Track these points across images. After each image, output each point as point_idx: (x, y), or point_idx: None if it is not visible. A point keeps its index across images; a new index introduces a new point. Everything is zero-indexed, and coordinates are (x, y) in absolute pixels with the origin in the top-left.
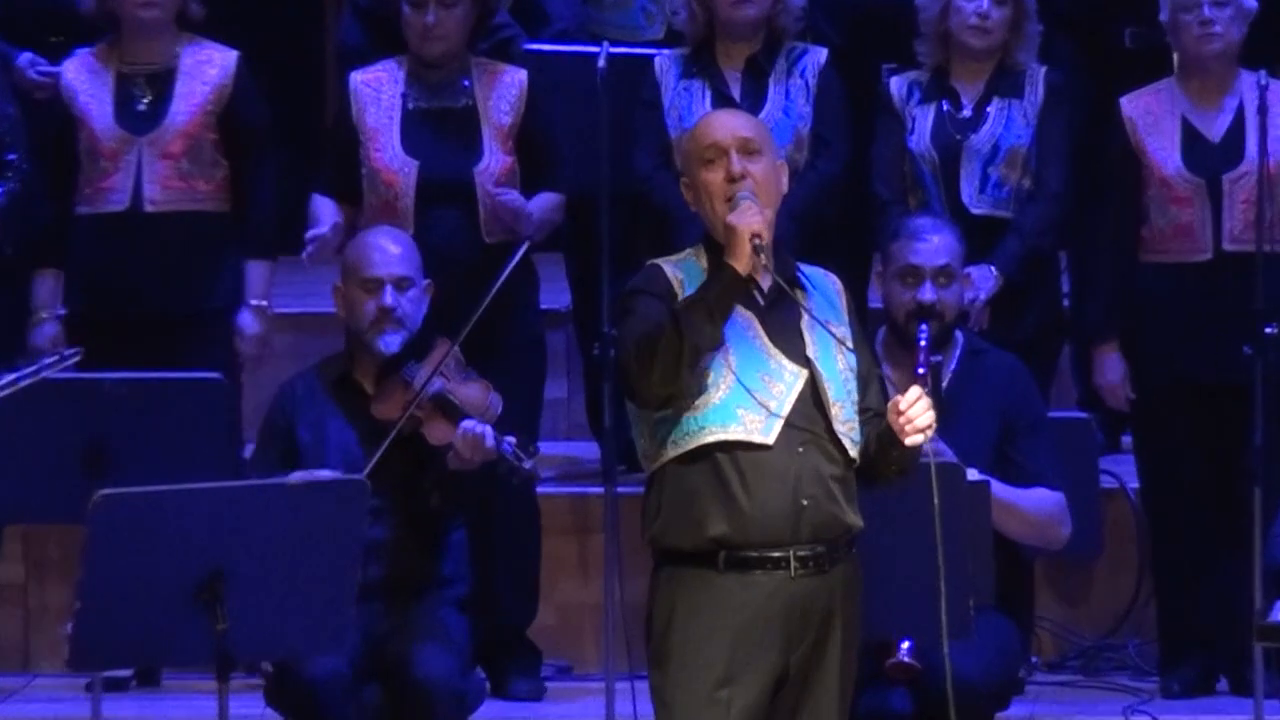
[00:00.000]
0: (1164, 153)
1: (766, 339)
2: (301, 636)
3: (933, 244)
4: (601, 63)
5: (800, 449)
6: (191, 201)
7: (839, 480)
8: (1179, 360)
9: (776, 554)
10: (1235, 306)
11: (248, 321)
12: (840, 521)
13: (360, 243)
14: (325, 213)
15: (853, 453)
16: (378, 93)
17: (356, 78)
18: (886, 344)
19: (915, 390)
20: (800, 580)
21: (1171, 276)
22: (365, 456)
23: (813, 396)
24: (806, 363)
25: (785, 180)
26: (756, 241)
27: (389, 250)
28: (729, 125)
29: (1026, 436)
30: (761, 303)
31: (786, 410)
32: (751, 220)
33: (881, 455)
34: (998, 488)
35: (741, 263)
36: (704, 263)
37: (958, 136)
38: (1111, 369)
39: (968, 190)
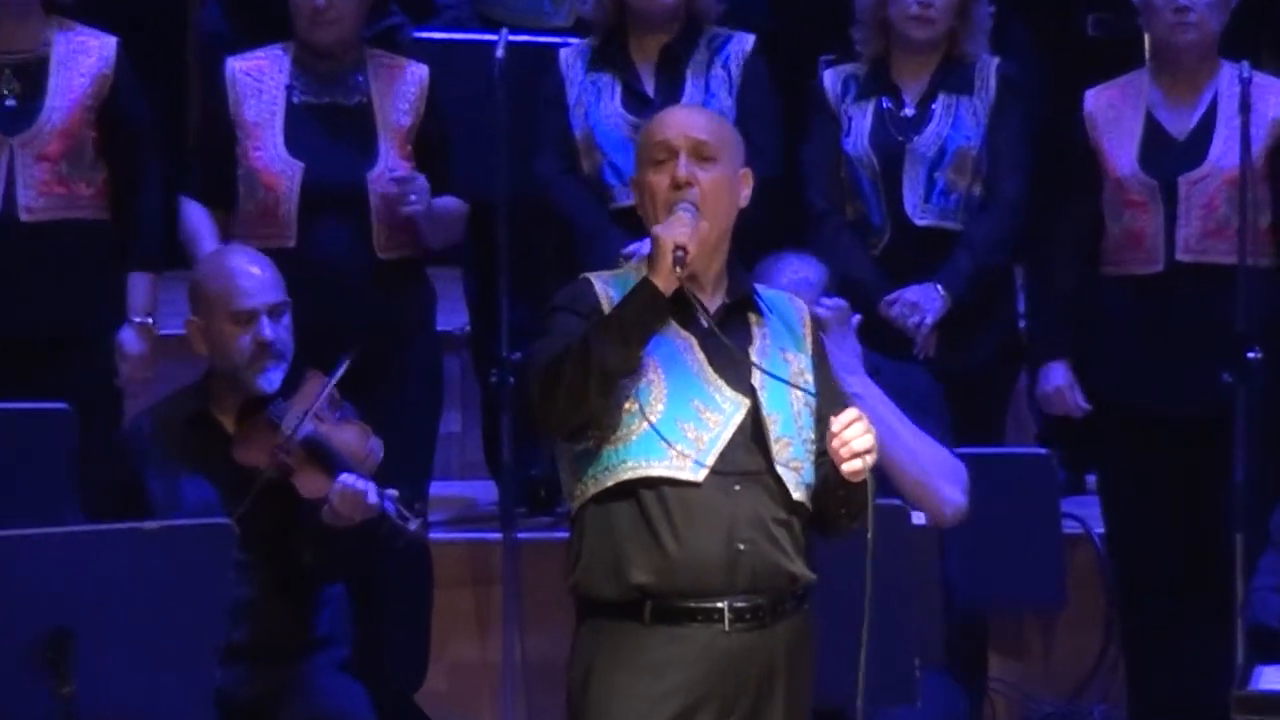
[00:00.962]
0: (1120, 151)
1: (706, 364)
2: (159, 702)
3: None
4: (499, 52)
5: (736, 487)
6: (71, 209)
7: (782, 524)
8: (1134, 387)
9: (709, 605)
10: (1189, 325)
11: (130, 340)
12: (783, 570)
13: (220, 270)
14: (197, 221)
15: (796, 495)
16: (259, 83)
17: (235, 65)
18: None
19: (852, 410)
20: (736, 635)
21: (1123, 290)
22: (226, 509)
23: (753, 430)
24: (750, 392)
25: (746, 192)
26: (679, 254)
27: (256, 275)
28: (683, 124)
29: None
30: (705, 324)
31: (721, 445)
32: (677, 231)
33: (827, 495)
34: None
35: (661, 277)
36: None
37: (899, 138)
38: (1056, 374)
39: (911, 199)
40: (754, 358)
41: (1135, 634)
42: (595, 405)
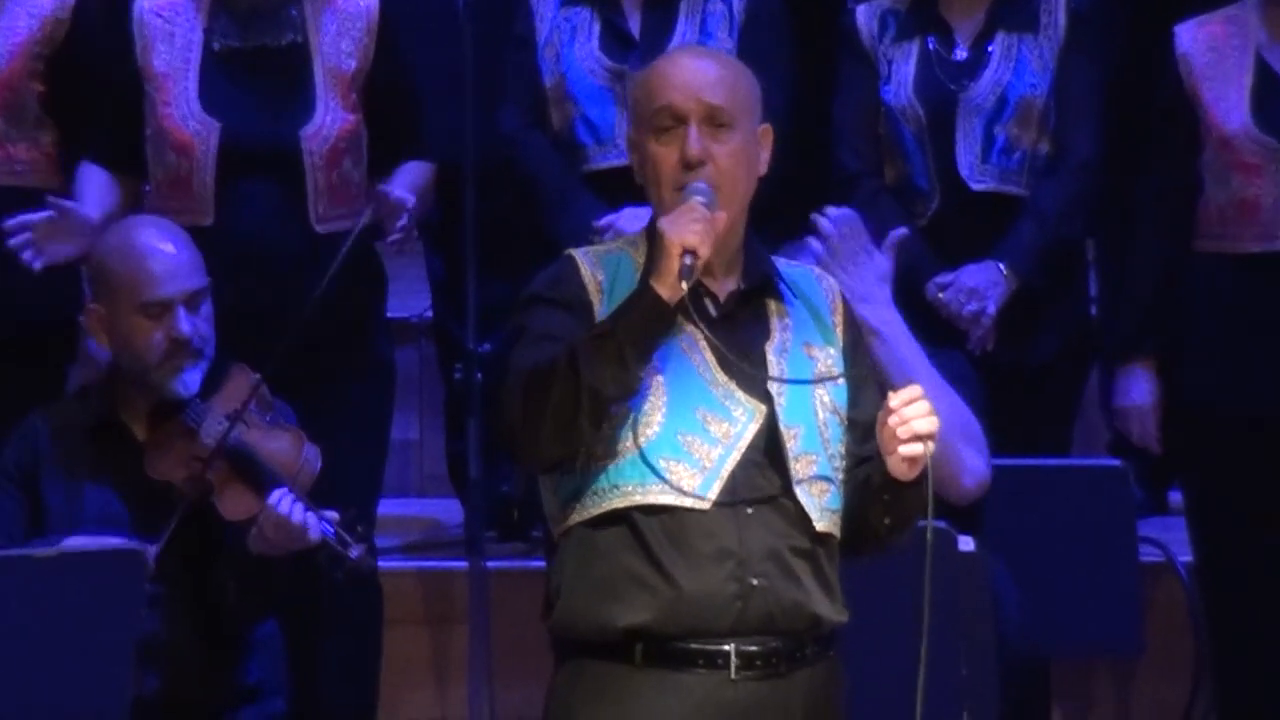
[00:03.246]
0: (1227, 103)
1: (715, 364)
2: None
3: None
4: None
5: (749, 511)
6: (9, 175)
7: (804, 555)
8: (1238, 388)
9: (713, 648)
10: None
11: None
12: (804, 610)
13: (127, 249)
14: (86, 185)
15: (820, 524)
16: (170, 25)
17: (144, 4)
18: None
19: (915, 387)
20: (745, 684)
21: (1231, 271)
22: (136, 530)
23: (770, 444)
24: (767, 398)
25: (766, 155)
26: (688, 260)
27: (170, 255)
28: (693, 83)
29: None
30: (714, 313)
31: (731, 464)
32: (687, 231)
33: (869, 500)
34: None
35: (666, 284)
36: (641, 258)
37: (951, 86)
38: (1138, 387)
39: (966, 158)
40: (770, 356)
41: (1233, 685)
42: (586, 436)
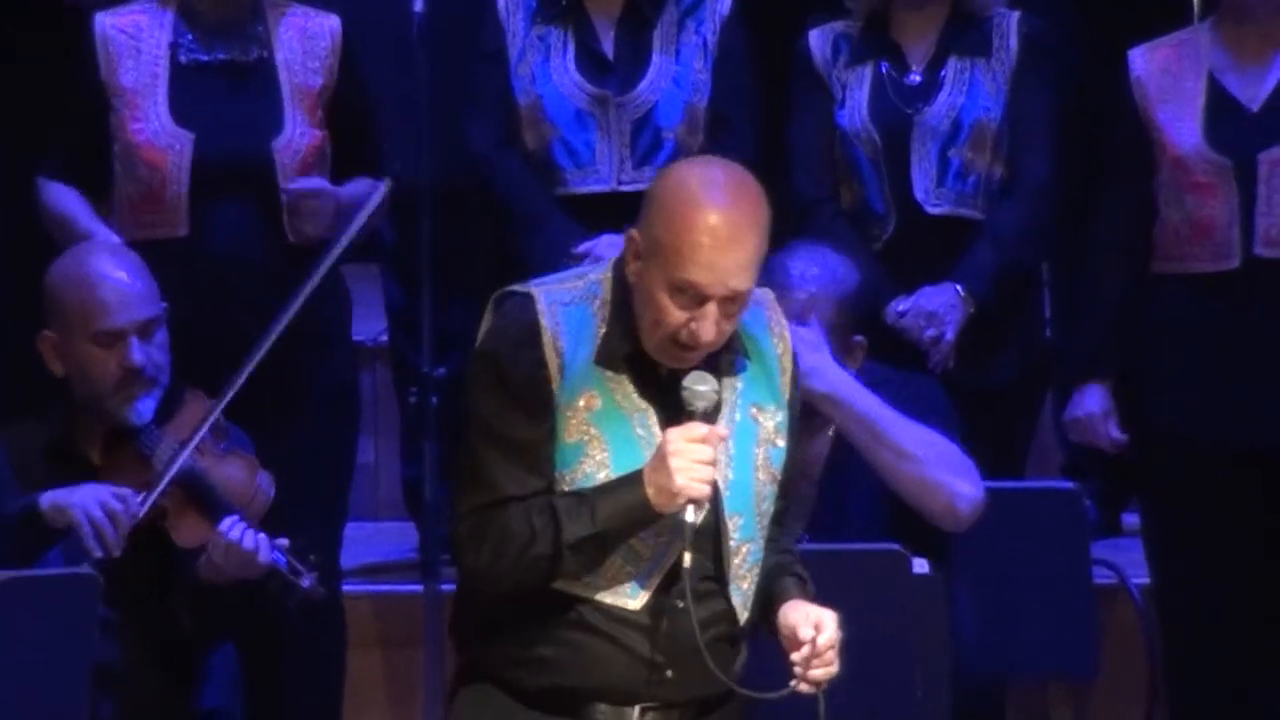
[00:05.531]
0: (1180, 124)
1: (685, 552)
2: None
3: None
4: (419, 5)
5: (679, 604)
6: None
7: (724, 642)
8: (1196, 411)
9: (618, 707)
10: (1269, 335)
11: None
12: (710, 691)
13: (79, 278)
14: (67, 200)
15: (744, 616)
16: (136, 41)
17: (106, 21)
18: None
19: (833, 627)
20: None
21: (1187, 292)
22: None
23: (712, 529)
24: (713, 485)
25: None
26: (691, 517)
27: (123, 285)
28: (723, 270)
29: None
30: (663, 378)
31: (669, 560)
32: (697, 485)
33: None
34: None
35: (665, 512)
36: (604, 312)
37: (906, 110)
38: (1091, 399)
39: (921, 182)
40: (720, 428)
41: (1186, 707)
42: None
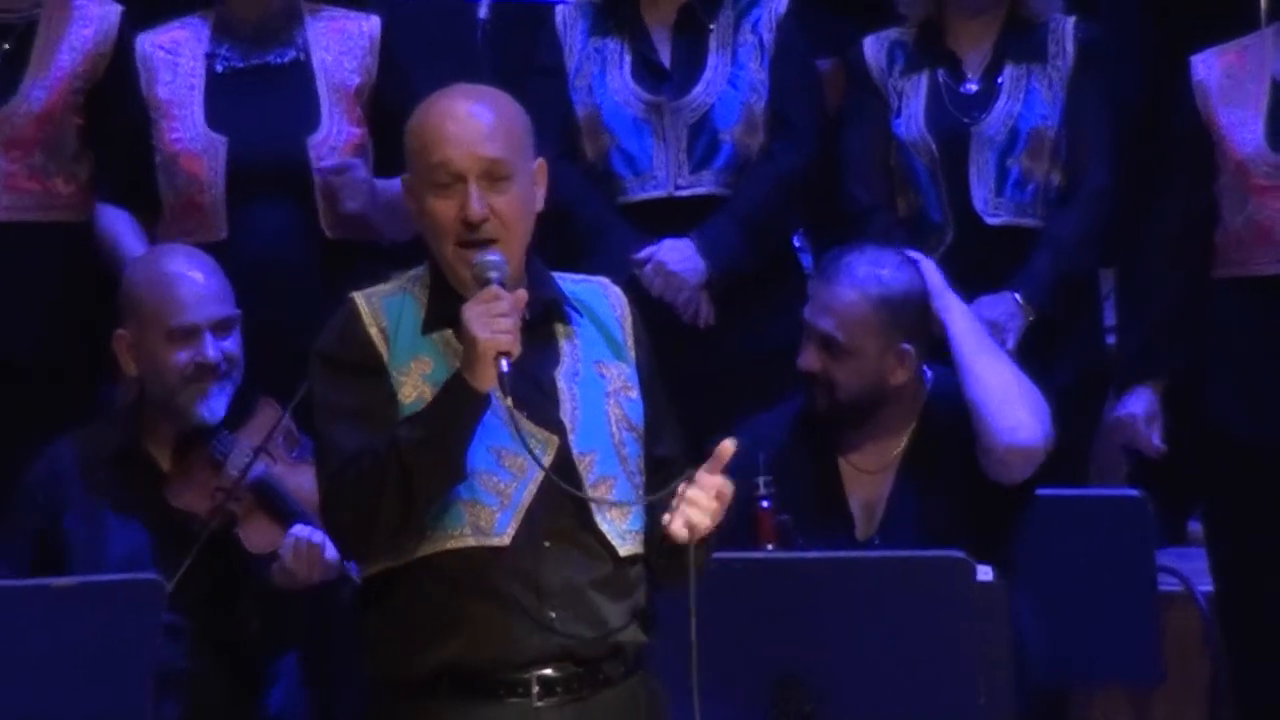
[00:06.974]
0: (1243, 127)
1: (507, 399)
2: None
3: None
4: (483, 12)
5: (547, 544)
6: (47, 209)
7: (606, 584)
8: (1257, 414)
9: (514, 677)
10: None
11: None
12: (603, 642)
13: (155, 276)
14: (114, 220)
15: (623, 549)
16: (174, 57)
17: (146, 41)
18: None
19: (719, 478)
20: (548, 711)
21: (1248, 295)
22: (158, 560)
23: (566, 473)
24: (559, 426)
25: (542, 191)
26: (505, 366)
27: (199, 282)
28: (467, 141)
29: None
30: (507, 405)
31: (528, 495)
32: (499, 334)
33: (651, 545)
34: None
35: (482, 383)
36: (424, 299)
37: (963, 120)
38: (1138, 401)
39: (980, 192)
40: (560, 383)
41: (1251, 714)
42: (415, 532)
